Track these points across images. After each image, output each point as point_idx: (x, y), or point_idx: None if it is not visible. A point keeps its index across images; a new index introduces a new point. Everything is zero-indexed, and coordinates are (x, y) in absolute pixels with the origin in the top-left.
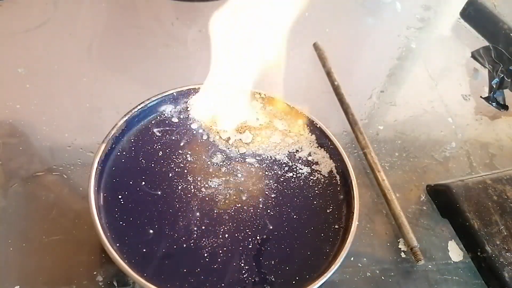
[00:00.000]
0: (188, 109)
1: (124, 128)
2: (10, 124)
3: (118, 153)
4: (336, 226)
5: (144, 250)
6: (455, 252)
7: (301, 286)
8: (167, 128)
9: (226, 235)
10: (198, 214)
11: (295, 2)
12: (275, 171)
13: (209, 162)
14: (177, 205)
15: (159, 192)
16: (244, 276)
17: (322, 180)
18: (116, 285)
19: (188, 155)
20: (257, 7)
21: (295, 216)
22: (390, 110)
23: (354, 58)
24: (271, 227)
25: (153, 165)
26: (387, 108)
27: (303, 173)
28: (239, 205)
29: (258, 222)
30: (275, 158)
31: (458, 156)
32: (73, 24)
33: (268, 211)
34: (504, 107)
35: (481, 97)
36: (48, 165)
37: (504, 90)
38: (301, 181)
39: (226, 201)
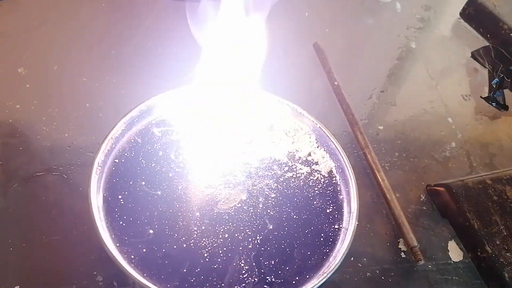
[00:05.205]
0: (188, 109)
1: (124, 128)
2: (10, 124)
3: (118, 153)
4: (336, 226)
5: (144, 250)
6: (455, 252)
7: (301, 286)
8: (167, 128)
9: (226, 235)
10: (198, 214)
11: (295, 2)
12: (275, 171)
13: (209, 162)
14: (177, 205)
15: (159, 192)
16: (244, 276)
17: (322, 180)
18: (116, 285)
19: (188, 155)
20: (257, 7)
21: (295, 216)
22: (390, 110)
23: (354, 58)
24: (271, 227)
25: (153, 165)
26: (387, 108)
27: (303, 173)
28: (239, 205)
29: (258, 222)
30: (275, 158)
31: (458, 156)
32: (73, 24)
33: (268, 211)
34: (504, 107)
35: (481, 97)
36: (48, 165)
37: (504, 90)
38: (301, 181)
39: (226, 201)
